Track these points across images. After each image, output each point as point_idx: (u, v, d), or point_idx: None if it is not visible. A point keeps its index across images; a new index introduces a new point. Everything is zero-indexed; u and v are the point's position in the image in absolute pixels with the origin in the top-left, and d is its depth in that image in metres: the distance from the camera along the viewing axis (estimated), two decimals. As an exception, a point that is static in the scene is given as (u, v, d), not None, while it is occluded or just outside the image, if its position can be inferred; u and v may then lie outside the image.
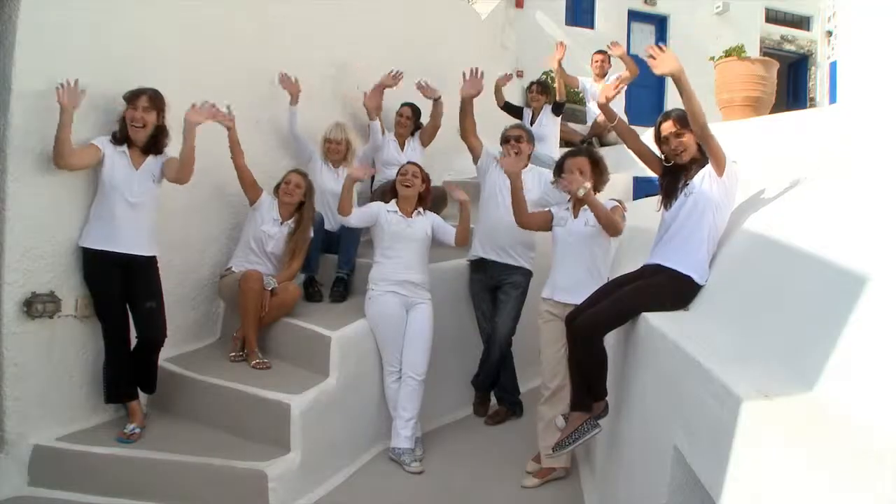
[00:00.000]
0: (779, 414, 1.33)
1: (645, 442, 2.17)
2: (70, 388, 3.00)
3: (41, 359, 2.87)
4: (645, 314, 2.36)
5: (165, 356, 3.33)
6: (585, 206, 3.13)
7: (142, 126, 2.97)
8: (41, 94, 2.78)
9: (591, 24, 9.39)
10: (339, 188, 4.06)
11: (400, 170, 3.74)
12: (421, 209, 3.69)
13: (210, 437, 3.03)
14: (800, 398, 1.42)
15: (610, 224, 2.98)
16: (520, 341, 3.94)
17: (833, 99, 7.59)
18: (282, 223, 3.68)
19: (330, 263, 4.03)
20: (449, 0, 6.45)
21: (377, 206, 3.74)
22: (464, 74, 3.86)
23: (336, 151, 4.25)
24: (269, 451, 2.88)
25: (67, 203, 2.94)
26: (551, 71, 7.77)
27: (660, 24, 9.89)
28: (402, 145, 4.85)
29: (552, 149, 5.37)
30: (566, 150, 4.00)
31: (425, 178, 3.71)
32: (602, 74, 6.40)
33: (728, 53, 6.02)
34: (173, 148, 3.12)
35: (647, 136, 3.14)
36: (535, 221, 3.36)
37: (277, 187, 3.71)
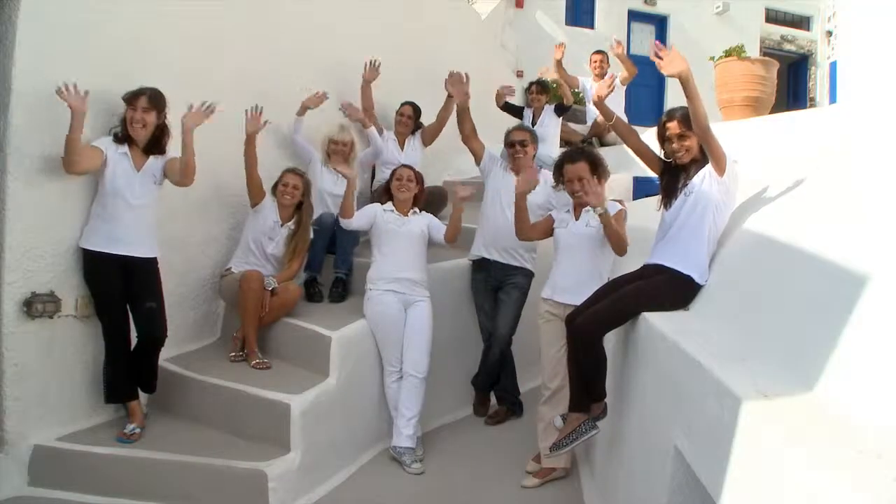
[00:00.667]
0: (779, 414, 1.33)
1: (645, 442, 2.17)
2: (70, 388, 3.00)
3: (41, 359, 2.87)
4: (645, 314, 2.36)
5: (165, 356, 3.32)
6: (587, 208, 3.13)
7: (142, 126, 2.97)
8: (41, 94, 2.78)
9: (591, 24, 9.40)
10: (338, 190, 4.07)
11: (394, 174, 3.75)
12: (416, 209, 3.73)
13: (210, 437, 3.03)
14: (800, 398, 1.42)
15: (620, 245, 2.97)
16: (520, 341, 3.95)
17: (833, 99, 7.59)
18: (282, 225, 3.68)
19: (328, 264, 4.03)
20: (449, 0, 6.45)
21: (374, 207, 3.76)
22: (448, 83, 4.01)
23: (341, 153, 4.24)
24: (269, 451, 2.87)
25: (67, 203, 2.94)
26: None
27: (660, 24, 9.90)
28: (401, 144, 4.85)
29: (553, 149, 5.37)
30: (566, 150, 4.00)
31: (419, 180, 3.75)
32: (601, 74, 6.39)
33: (728, 53, 6.02)
34: (174, 149, 3.12)
35: (646, 136, 3.15)
36: (538, 232, 3.37)
37: (275, 187, 3.71)
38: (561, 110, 5.63)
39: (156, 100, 2.98)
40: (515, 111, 5.65)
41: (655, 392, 2.12)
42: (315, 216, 3.91)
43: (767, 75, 5.95)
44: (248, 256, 3.64)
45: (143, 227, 3.03)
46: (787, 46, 10.83)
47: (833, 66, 9.01)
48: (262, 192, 3.68)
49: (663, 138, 2.63)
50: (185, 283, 3.59)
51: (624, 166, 4.99)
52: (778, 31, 10.79)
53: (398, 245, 3.59)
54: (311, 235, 3.80)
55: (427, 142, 4.92)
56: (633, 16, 9.70)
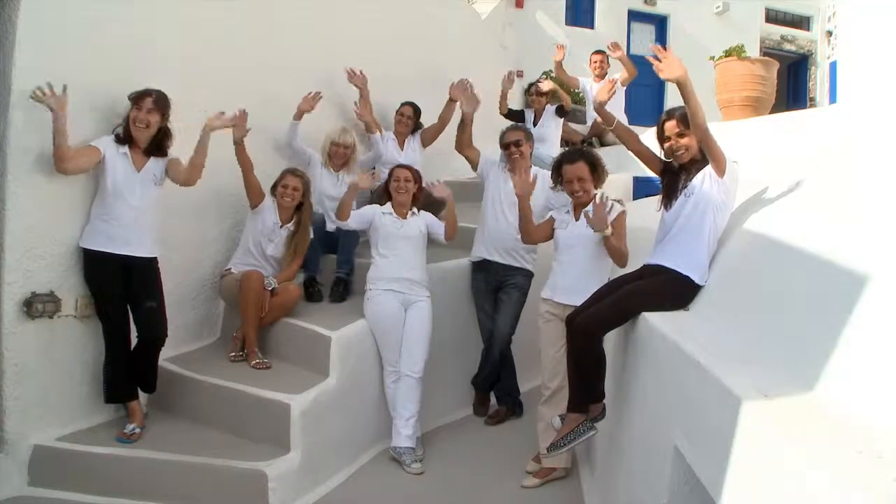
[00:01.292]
0: (779, 414, 1.33)
1: (645, 442, 2.17)
2: (70, 388, 3.00)
3: (41, 359, 2.87)
4: (645, 314, 2.36)
5: (165, 356, 3.32)
6: (586, 210, 3.13)
7: (145, 127, 2.97)
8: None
9: (591, 24, 9.39)
10: (337, 193, 4.07)
11: (392, 175, 3.74)
12: (414, 209, 3.73)
13: (210, 437, 3.03)
14: (800, 398, 1.42)
15: (620, 260, 3.00)
16: (520, 341, 3.95)
17: (833, 99, 7.59)
18: (281, 226, 3.68)
19: (330, 264, 4.03)
20: (449, 0, 6.45)
21: (372, 208, 3.76)
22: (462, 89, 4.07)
23: (342, 155, 4.24)
24: (269, 451, 2.87)
25: (67, 203, 2.94)
26: (550, 71, 7.79)
27: (660, 24, 9.89)
28: (401, 144, 4.85)
29: (554, 149, 5.37)
30: (564, 150, 4.00)
31: (417, 180, 3.74)
32: (602, 75, 6.40)
33: (728, 53, 6.01)
34: (179, 151, 3.12)
35: (646, 135, 3.15)
36: (541, 235, 3.38)
37: (274, 188, 3.71)
38: (562, 112, 5.63)
39: (161, 102, 2.99)
40: (517, 116, 5.64)
41: (655, 392, 2.12)
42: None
43: (767, 75, 5.95)
44: (248, 257, 3.64)
45: (143, 227, 3.03)
46: (787, 46, 10.82)
47: (833, 66, 9.01)
48: (262, 194, 3.68)
49: (663, 138, 2.63)
50: (185, 283, 3.59)
51: (624, 166, 4.99)
52: (778, 31, 10.79)
53: (397, 247, 3.60)
54: (312, 235, 3.80)
55: (427, 142, 4.92)
56: (633, 16, 9.69)
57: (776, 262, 2.01)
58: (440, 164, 5.30)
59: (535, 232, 3.36)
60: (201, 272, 3.72)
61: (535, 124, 5.41)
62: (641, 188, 5.27)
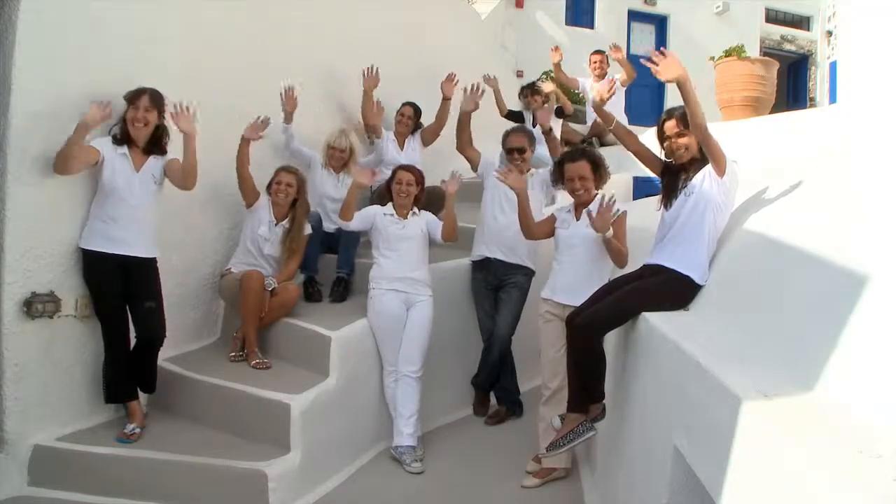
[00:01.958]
0: (779, 414, 1.33)
1: (645, 442, 2.17)
2: (70, 388, 3.00)
3: (41, 359, 2.87)
4: (645, 314, 2.36)
5: (165, 356, 3.33)
6: (587, 209, 3.13)
7: (143, 125, 2.97)
8: (41, 94, 2.78)
9: (590, 25, 9.40)
10: (338, 194, 4.07)
11: (395, 177, 3.71)
12: (415, 209, 3.72)
13: (210, 437, 3.03)
14: (800, 398, 1.42)
15: (620, 260, 2.99)
16: (520, 341, 3.95)
17: (833, 99, 7.59)
18: (276, 224, 3.68)
19: (330, 263, 4.03)
20: (449, 0, 6.45)
21: (373, 209, 3.75)
22: (465, 90, 3.99)
23: (339, 159, 4.24)
24: (269, 451, 2.87)
25: (67, 203, 2.94)
26: (550, 71, 7.79)
27: (660, 24, 9.89)
28: (401, 145, 4.85)
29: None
30: (566, 150, 3.99)
31: (420, 182, 3.72)
32: (601, 75, 6.40)
33: (728, 53, 6.02)
34: (174, 151, 3.12)
35: (646, 136, 3.15)
36: (542, 231, 3.38)
37: (269, 186, 3.71)
38: (561, 113, 5.62)
39: (157, 100, 2.98)
40: (517, 117, 5.63)
41: (655, 392, 2.12)
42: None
43: (767, 75, 5.96)
44: (247, 257, 3.65)
45: (142, 228, 3.03)
46: (787, 46, 10.83)
47: (833, 66, 9.01)
48: (256, 192, 3.68)
49: (662, 138, 2.63)
50: (185, 283, 3.59)
51: (624, 166, 4.99)
52: (778, 31, 10.79)
53: (399, 247, 3.59)
54: (309, 233, 3.80)
55: (427, 142, 4.92)
56: (633, 16, 9.69)
57: (776, 262, 2.01)
58: (441, 164, 5.29)
59: (535, 227, 3.36)
60: (201, 272, 3.72)
61: (533, 125, 5.41)
62: (641, 188, 5.27)
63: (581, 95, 6.82)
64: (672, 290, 2.46)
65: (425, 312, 3.58)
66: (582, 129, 6.64)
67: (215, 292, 3.79)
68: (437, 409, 3.88)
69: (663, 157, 2.71)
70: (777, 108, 6.28)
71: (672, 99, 8.52)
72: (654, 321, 2.23)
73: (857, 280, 1.53)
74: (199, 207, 3.63)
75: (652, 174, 2.86)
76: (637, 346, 2.42)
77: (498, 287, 3.92)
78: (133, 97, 2.96)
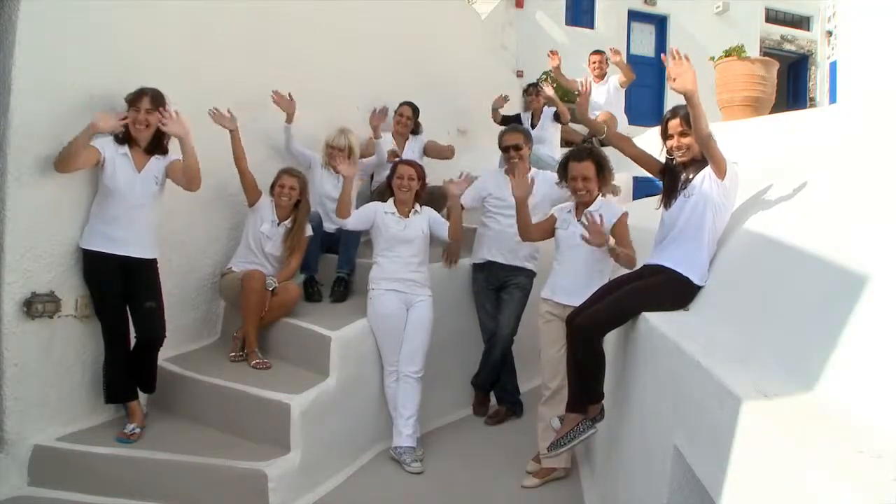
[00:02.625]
0: (779, 414, 1.33)
1: (645, 442, 2.17)
2: (70, 388, 3.00)
3: (41, 359, 2.87)
4: (645, 314, 2.36)
5: (165, 356, 3.33)
6: (588, 210, 3.13)
7: (145, 126, 2.97)
8: (41, 94, 2.78)
9: (591, 25, 9.39)
10: (338, 193, 4.05)
11: (395, 172, 3.66)
12: (417, 207, 3.68)
13: (210, 437, 3.03)
14: (800, 398, 1.42)
15: (630, 263, 2.96)
16: (520, 341, 3.95)
17: (833, 99, 7.59)
18: (279, 224, 3.68)
19: (330, 263, 4.03)
20: (449, 0, 6.45)
21: (374, 207, 3.73)
22: (452, 179, 3.68)
23: (338, 157, 4.22)
24: (269, 451, 2.87)
25: (67, 203, 2.94)
26: (550, 72, 7.79)
27: (660, 24, 9.89)
28: (401, 146, 4.85)
29: (554, 150, 5.37)
30: (567, 150, 3.98)
31: (421, 177, 3.68)
32: (601, 75, 6.39)
33: (728, 53, 6.02)
34: (175, 151, 3.12)
35: (646, 136, 3.14)
36: (540, 233, 3.37)
37: (272, 187, 3.71)
38: (559, 119, 5.59)
39: (158, 100, 2.98)
40: (512, 121, 5.61)
41: (655, 392, 2.11)
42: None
43: (767, 75, 5.96)
44: (249, 255, 3.65)
45: (143, 228, 3.03)
46: (787, 46, 10.83)
47: (833, 66, 9.01)
48: (258, 190, 3.69)
49: (665, 135, 2.63)
50: (185, 283, 3.59)
51: (624, 166, 4.97)
52: (778, 31, 10.79)
53: (400, 247, 3.58)
54: (310, 233, 3.80)
55: (428, 154, 4.91)
56: (633, 16, 9.69)
57: (776, 262, 2.01)
58: (443, 165, 5.29)
59: (534, 231, 3.36)
60: (201, 272, 3.72)
61: (533, 126, 5.40)
62: (641, 188, 5.27)
63: (578, 94, 6.81)
64: (672, 290, 2.46)
65: (425, 312, 3.57)
66: (582, 128, 6.63)
67: (215, 292, 3.79)
68: (437, 409, 3.88)
69: (664, 156, 2.70)
70: (777, 108, 6.28)
71: (672, 99, 8.51)
72: (654, 321, 2.23)
73: (856, 280, 1.53)
74: (199, 207, 3.63)
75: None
76: (637, 346, 2.42)
77: (500, 287, 3.92)
78: (134, 98, 2.96)
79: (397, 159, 3.95)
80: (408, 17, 5.53)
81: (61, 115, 2.83)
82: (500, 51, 8.23)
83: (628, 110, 6.53)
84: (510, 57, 8.50)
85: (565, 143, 5.87)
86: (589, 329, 2.53)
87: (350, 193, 3.59)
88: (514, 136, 3.83)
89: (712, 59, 6.23)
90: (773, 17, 10.74)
